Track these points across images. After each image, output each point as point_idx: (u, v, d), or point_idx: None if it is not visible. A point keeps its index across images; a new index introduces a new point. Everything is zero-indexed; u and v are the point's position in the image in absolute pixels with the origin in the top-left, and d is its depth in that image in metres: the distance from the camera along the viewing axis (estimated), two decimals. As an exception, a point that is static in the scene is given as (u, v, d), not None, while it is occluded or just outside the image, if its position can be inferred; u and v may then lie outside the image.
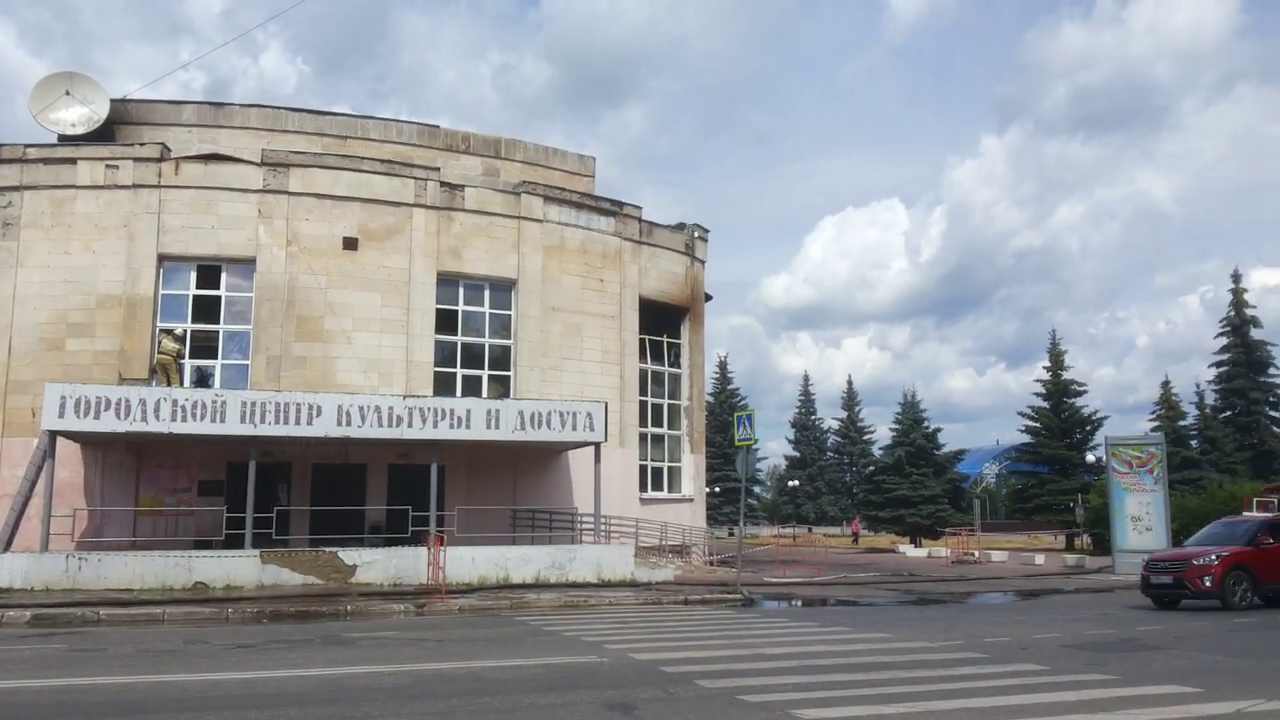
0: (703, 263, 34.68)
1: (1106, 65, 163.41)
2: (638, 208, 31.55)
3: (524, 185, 29.17)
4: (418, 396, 23.53)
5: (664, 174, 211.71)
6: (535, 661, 11.21)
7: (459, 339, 27.77)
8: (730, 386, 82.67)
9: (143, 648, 12.55)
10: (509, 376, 28.08)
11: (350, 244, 26.23)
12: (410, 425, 22.21)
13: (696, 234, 34.28)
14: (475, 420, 22.82)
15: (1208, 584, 17.78)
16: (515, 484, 27.61)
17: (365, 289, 26.23)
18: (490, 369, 28.09)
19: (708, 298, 35.76)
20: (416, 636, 13.82)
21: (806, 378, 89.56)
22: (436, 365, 27.02)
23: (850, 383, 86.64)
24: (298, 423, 21.48)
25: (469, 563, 21.66)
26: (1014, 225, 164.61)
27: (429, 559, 20.72)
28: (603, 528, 24.90)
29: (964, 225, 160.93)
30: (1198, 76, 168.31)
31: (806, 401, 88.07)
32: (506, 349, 28.30)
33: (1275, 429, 67.53)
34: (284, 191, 25.83)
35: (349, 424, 21.77)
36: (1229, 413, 65.70)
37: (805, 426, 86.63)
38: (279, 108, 30.63)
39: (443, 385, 26.91)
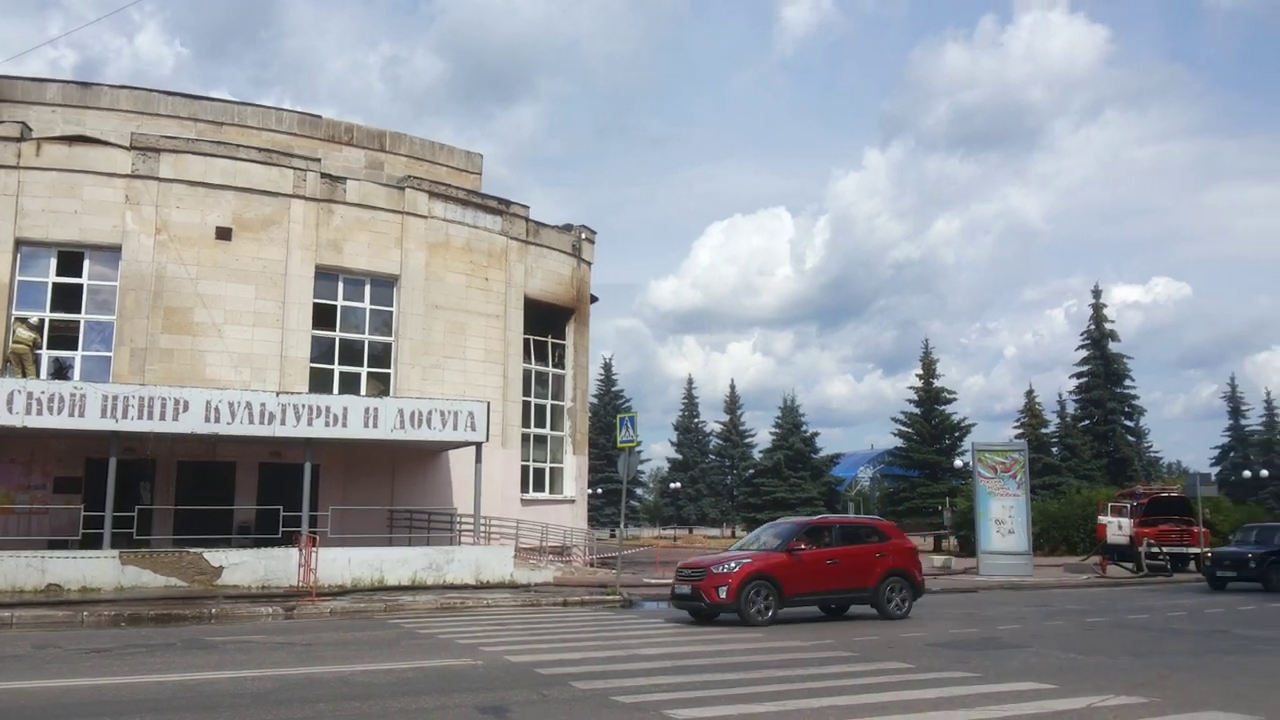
0: (589, 264, 34.67)
1: (985, 86, 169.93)
2: (525, 207, 31.35)
3: (409, 180, 28.65)
4: (292, 393, 22.84)
5: (555, 174, 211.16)
6: (407, 665, 10.98)
7: (337, 335, 27.09)
8: (615, 388, 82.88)
9: (-15, 654, 11.82)
10: (389, 374, 27.52)
11: (224, 234, 25.31)
12: (283, 423, 21.54)
13: (584, 235, 34.25)
14: (352, 418, 22.28)
15: (723, 595, 15.52)
16: (393, 484, 27.08)
17: (239, 281, 25.33)
18: (370, 366, 27.48)
19: (593, 299, 35.76)
20: (284, 640, 13.39)
21: (690, 381, 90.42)
22: (313, 361, 26.29)
23: (733, 387, 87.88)
24: (163, 418, 20.60)
25: (343, 564, 21.13)
26: (894, 237, 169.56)
27: (300, 560, 20.11)
28: (482, 529, 24.62)
29: (847, 235, 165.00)
30: (1069, 101, 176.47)
31: (690, 405, 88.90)
32: (387, 346, 27.73)
33: (1130, 438, 71.32)
34: (154, 177, 24.75)
35: (218, 420, 21.00)
36: (1088, 421, 69.12)
37: (688, 429, 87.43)
38: (151, 90, 29.37)
39: (319, 382, 26.20)
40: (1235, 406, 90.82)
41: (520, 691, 9.15)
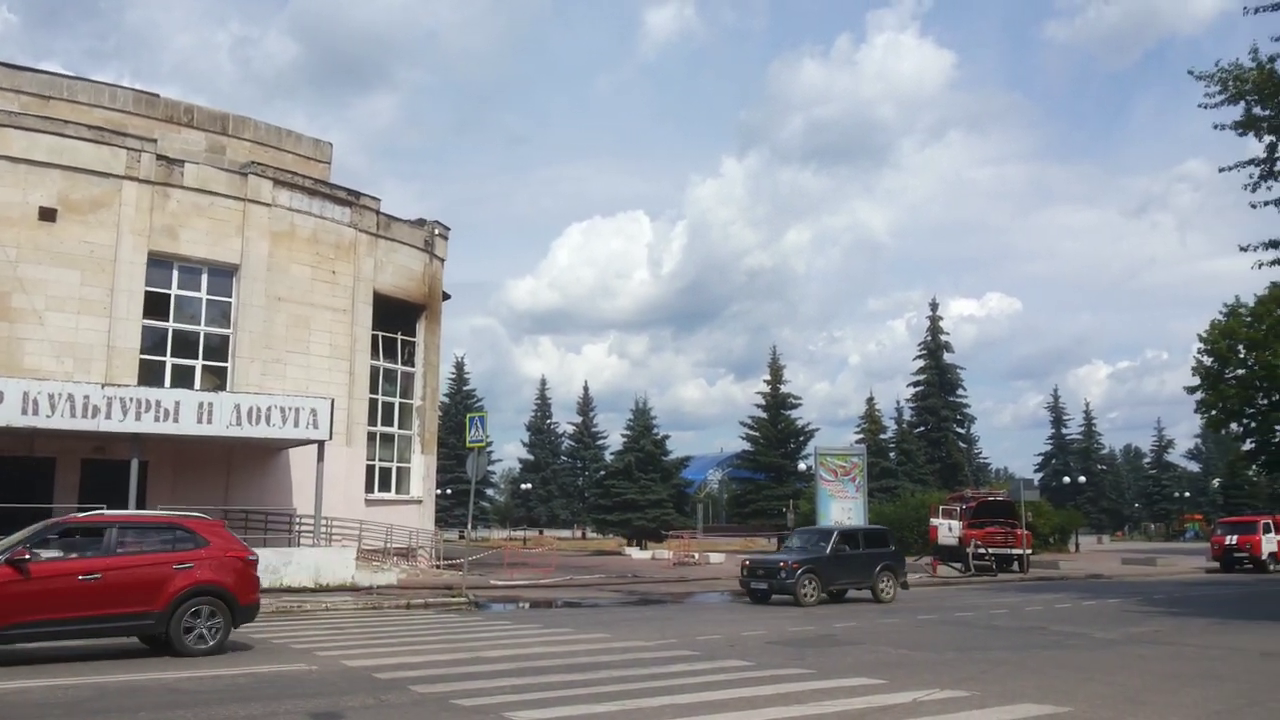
0: (442, 260, 34.10)
1: (839, 102, 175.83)
2: (376, 199, 30.57)
3: (253, 166, 27.54)
4: (119, 385, 21.61)
5: (412, 167, 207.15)
6: (238, 671, 10.52)
7: (171, 325, 25.78)
8: (467, 387, 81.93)
9: None
10: (226, 368, 26.36)
11: (48, 215, 23.73)
12: (109, 416, 20.36)
13: (437, 231, 33.67)
14: (185, 413, 21.24)
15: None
16: (229, 483, 25.95)
17: (63, 265, 23.80)
18: (206, 359, 26.26)
19: (446, 296, 35.18)
20: (102, 646, 12.61)
21: (544, 382, 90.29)
22: (143, 353, 24.94)
23: (586, 388, 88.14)
24: (-27, 409, 19.16)
25: (172, 566, 20.09)
26: (748, 245, 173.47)
27: (125, 562, 19.03)
28: (324, 530, 23.88)
29: (703, 241, 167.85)
30: (916, 120, 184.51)
31: (543, 405, 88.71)
32: (225, 339, 26.56)
33: (961, 444, 75.00)
34: (-31, 152, 23.01)
35: (35, 412, 19.69)
36: (923, 428, 72.40)
37: (541, 430, 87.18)
38: (-32, 58, 27.27)
39: (150, 375, 24.86)
40: (1057, 416, 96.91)
41: (356, 697, 8.90)
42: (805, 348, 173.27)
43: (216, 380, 26.12)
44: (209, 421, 21.57)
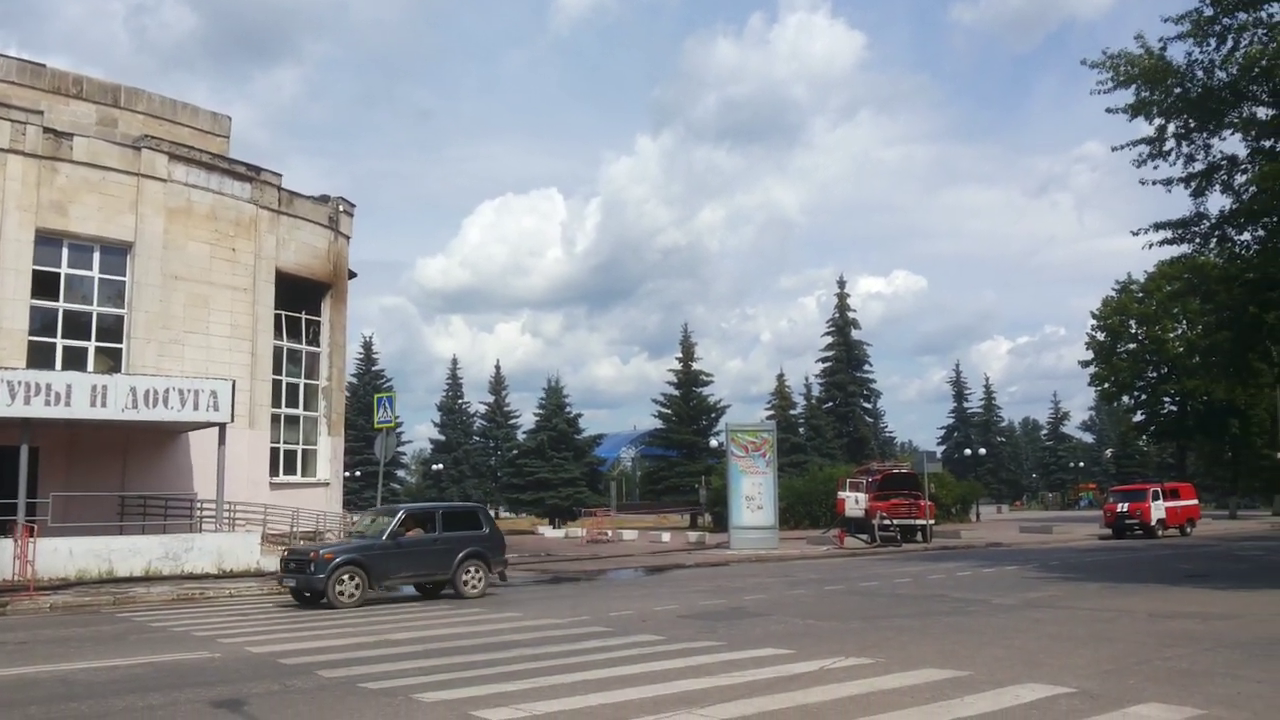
0: (347, 238, 33.35)
1: (752, 81, 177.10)
2: (277, 175, 29.71)
3: (146, 140, 26.49)
4: (6, 368, 20.65)
5: (318, 143, 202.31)
6: (136, 661, 10.21)
7: (61, 305, 24.69)
8: (375, 368, 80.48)
9: None
10: (121, 350, 25.39)
11: (-78, 189, 22.52)
12: (-5, 401, 19.46)
13: (341, 208, 32.90)
14: (77, 397, 20.43)
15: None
16: (126, 468, 25.08)
17: (-58, 243, 22.62)
18: (99, 340, 25.24)
19: (352, 275, 34.44)
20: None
21: (455, 361, 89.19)
22: (32, 334, 23.85)
23: (498, 367, 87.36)
24: None
25: (66, 556, 19.44)
26: (662, 223, 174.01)
27: (16, 552, 18.34)
28: (226, 515, 23.28)
29: (617, 219, 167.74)
30: (827, 100, 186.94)
31: (455, 385, 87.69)
32: (120, 319, 25.58)
33: (868, 419, 76.63)
34: None
35: (-86, 398, 18.71)
36: (831, 404, 73.73)
37: (452, 410, 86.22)
38: None
39: (39, 357, 23.79)
40: (960, 390, 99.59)
41: (260, 683, 8.71)
42: (718, 325, 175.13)
43: (111, 362, 25.17)
44: (103, 405, 20.78)
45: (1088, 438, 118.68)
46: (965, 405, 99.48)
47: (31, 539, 18.04)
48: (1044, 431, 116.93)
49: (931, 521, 34.22)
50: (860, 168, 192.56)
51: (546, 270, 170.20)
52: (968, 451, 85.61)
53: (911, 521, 33.24)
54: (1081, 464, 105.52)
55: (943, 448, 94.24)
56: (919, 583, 18.64)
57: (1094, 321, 57.00)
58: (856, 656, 9.63)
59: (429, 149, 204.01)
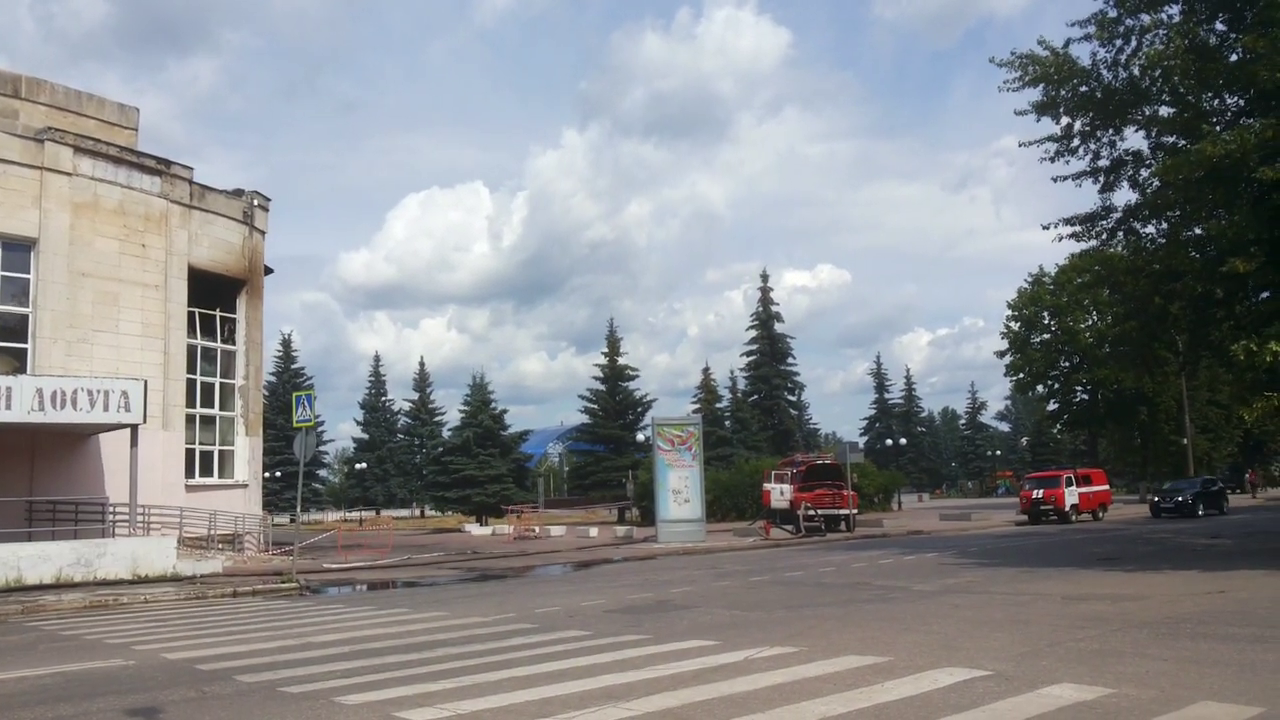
0: (263, 233, 32.64)
1: (680, 76, 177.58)
2: (189, 168, 28.95)
3: (50, 132, 25.58)
4: (-99, 371, 19.80)
5: (236, 135, 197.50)
6: (45, 670, 9.85)
7: (-39, 305, 23.77)
8: (295, 365, 79.00)
9: None
10: (26, 349, 24.52)
11: None
12: (-110, 405, 18.64)
13: (256, 202, 32.18)
14: (-20, 399, 19.67)
15: None
16: (33, 472, 24.25)
17: None
18: (3, 340, 24.34)
19: (269, 270, 33.72)
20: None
21: (378, 358, 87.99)
22: (-71, 335, 22.93)
23: (422, 364, 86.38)
24: None
25: (-32, 564, 18.67)
26: (589, 217, 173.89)
27: (-87, 562, 17.58)
28: (140, 519, 22.64)
29: (544, 213, 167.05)
30: (754, 96, 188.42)
31: (378, 383, 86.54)
32: (24, 318, 24.69)
33: (792, 411, 77.54)
34: None
35: None
36: (756, 396, 74.43)
37: (375, 408, 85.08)
38: None
39: (-63, 358, 22.89)
40: (881, 382, 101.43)
41: (177, 690, 8.47)
42: (646, 319, 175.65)
43: (15, 363, 24.27)
44: (8, 407, 20.07)
45: (1004, 427, 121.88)
46: (887, 396, 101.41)
47: (-69, 548, 17.32)
48: (963, 421, 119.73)
49: (855, 511, 34.79)
50: (785, 163, 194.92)
51: (473, 265, 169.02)
52: (889, 442, 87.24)
53: (835, 511, 33.74)
54: (999, 452, 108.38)
55: (865, 438, 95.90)
56: (842, 571, 18.92)
57: (1009, 313, 58.49)
58: (781, 646, 9.73)
59: (351, 141, 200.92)
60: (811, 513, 32.80)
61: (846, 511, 33.81)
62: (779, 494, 34.00)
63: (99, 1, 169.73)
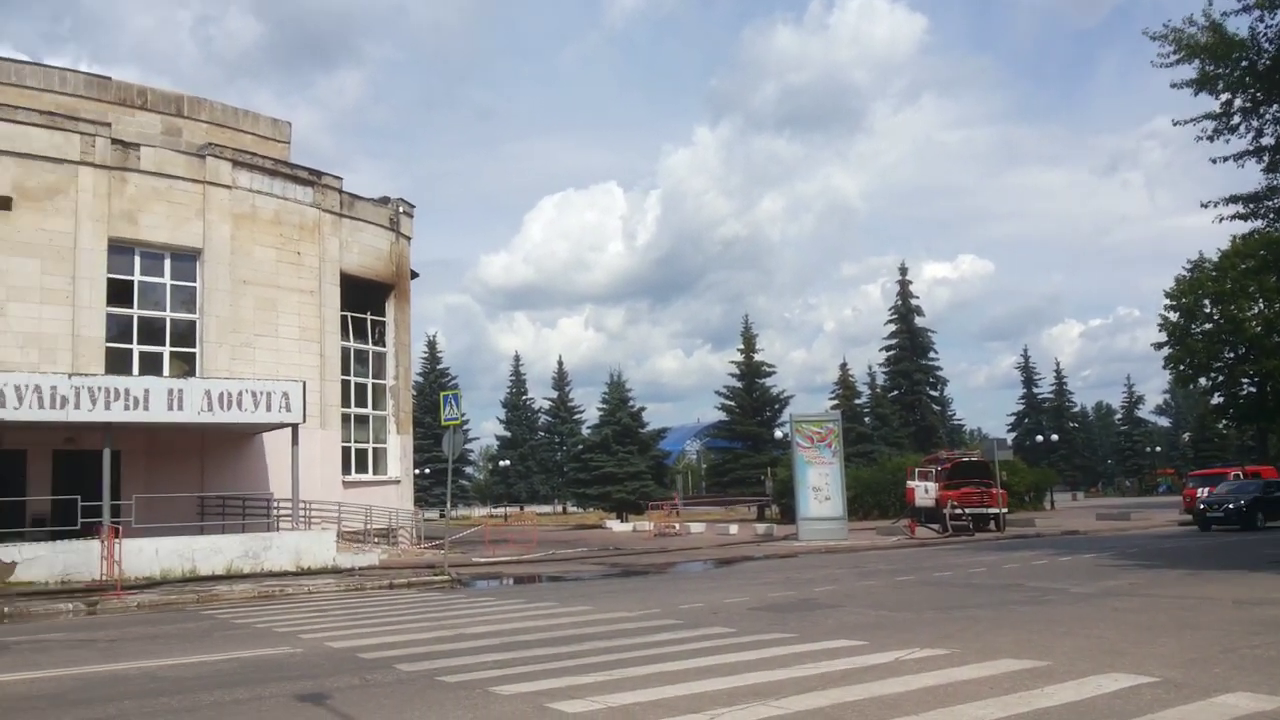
0: (408, 238, 33.80)
1: (812, 68, 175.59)
2: (338, 178, 30.22)
3: (210, 148, 27.11)
4: (86, 375, 21.31)
5: (381, 145, 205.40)
6: (221, 656, 10.46)
7: (135, 312, 25.43)
8: (440, 366, 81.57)
9: None
10: (195, 354, 26.07)
11: (3, 204, 23.28)
12: (78, 407, 20.09)
13: (401, 209, 33.35)
14: (155, 401, 21.00)
15: None
16: (204, 469, 25.76)
17: (22, 254, 23.38)
18: (173, 345, 25.95)
19: (414, 274, 34.91)
20: (86, 637, 12.55)
21: (517, 358, 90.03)
22: (109, 341, 24.60)
23: (561, 363, 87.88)
24: (-62, 404, 18.86)
25: (150, 555, 19.99)
26: (722, 214, 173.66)
27: (102, 553, 18.93)
28: (302, 513, 23.75)
29: (677, 212, 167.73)
30: (889, 85, 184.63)
31: (518, 382, 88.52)
32: (192, 324, 26.25)
33: (935, 406, 75.54)
34: (-80, 141, 22.49)
35: (3, 405, 19.38)
36: (896, 392, 72.84)
37: (517, 407, 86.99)
38: (-87, 44, 26.53)
39: (117, 363, 24.55)
40: (1029, 376, 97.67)
41: (342, 677, 8.86)
42: (781, 315, 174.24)
43: (185, 366, 25.84)
44: (179, 408, 21.34)
45: (1164, 422, 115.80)
46: (1035, 391, 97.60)
47: (117, 540, 18.59)
48: (1118, 416, 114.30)
49: (1004, 510, 33.66)
50: (923, 152, 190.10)
51: (608, 264, 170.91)
52: (1039, 438, 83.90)
53: (984, 510, 32.74)
54: (1158, 449, 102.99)
55: (1013, 434, 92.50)
56: (994, 572, 18.34)
57: (1167, 302, 55.47)
58: (931, 647, 9.50)
59: (489, 147, 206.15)
60: (958, 511, 31.91)
61: (995, 510, 32.75)
62: (923, 492, 33.19)
63: (253, 22, 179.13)
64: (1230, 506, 30.34)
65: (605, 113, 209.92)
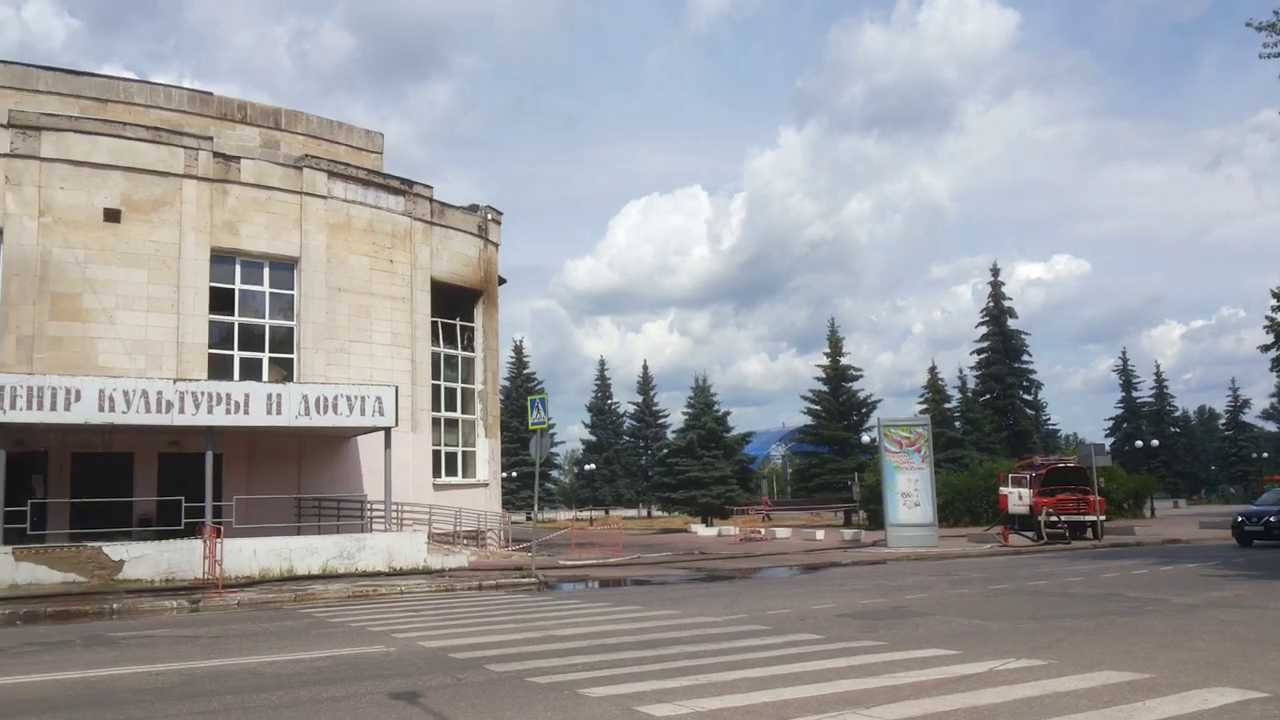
0: (496, 245, 34.30)
1: (900, 66, 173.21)
2: (429, 187, 30.83)
3: (306, 159, 27.91)
4: (190, 380, 22.12)
5: (469, 154, 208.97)
6: (318, 654, 10.74)
7: (236, 319, 26.31)
8: (527, 370, 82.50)
9: None
10: (292, 359, 26.86)
11: (112, 216, 24.32)
12: (182, 411, 20.87)
13: (490, 216, 33.88)
14: (255, 405, 21.69)
15: None
16: (300, 471, 26.50)
17: (130, 265, 24.39)
18: (272, 351, 26.77)
19: (502, 280, 35.42)
20: (190, 633, 13.00)
21: (603, 362, 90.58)
22: (211, 347, 25.50)
23: (646, 367, 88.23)
24: (54, 408, 19.78)
25: (249, 555, 20.63)
26: (808, 216, 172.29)
27: (205, 552, 19.60)
28: (394, 515, 24.26)
29: (762, 214, 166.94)
30: (980, 82, 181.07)
31: (603, 386, 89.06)
32: (289, 331, 27.04)
33: (1028, 411, 73.66)
34: (35, 157, 23.63)
35: (112, 409, 20.23)
36: (988, 396, 71.22)
37: (602, 411, 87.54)
38: (28, 65, 27.84)
39: (219, 368, 25.44)
40: (1127, 379, 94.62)
41: (434, 676, 9.03)
42: (868, 318, 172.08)
43: (283, 372, 26.63)
44: (278, 412, 22.00)
45: (1271, 426, 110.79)
46: (1134, 395, 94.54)
47: (219, 539, 19.24)
48: (1223, 421, 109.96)
49: (1102, 517, 32.65)
50: (1015, 149, 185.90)
51: (693, 268, 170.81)
52: (1139, 443, 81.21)
53: (1080, 517, 31.82)
54: (1265, 454, 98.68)
55: (1111, 440, 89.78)
56: (1091, 581, 17.82)
57: (1275, 302, 53.25)
58: (1028, 658, 9.28)
59: (574, 153, 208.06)
60: (1054, 519, 31.08)
61: (1093, 518, 31.80)
62: (1017, 498, 32.38)
63: (347, 37, 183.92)
64: (1272, 519, 27.80)
65: (689, 116, 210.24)
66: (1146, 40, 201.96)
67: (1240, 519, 29.09)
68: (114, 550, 19.84)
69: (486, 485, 32.52)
